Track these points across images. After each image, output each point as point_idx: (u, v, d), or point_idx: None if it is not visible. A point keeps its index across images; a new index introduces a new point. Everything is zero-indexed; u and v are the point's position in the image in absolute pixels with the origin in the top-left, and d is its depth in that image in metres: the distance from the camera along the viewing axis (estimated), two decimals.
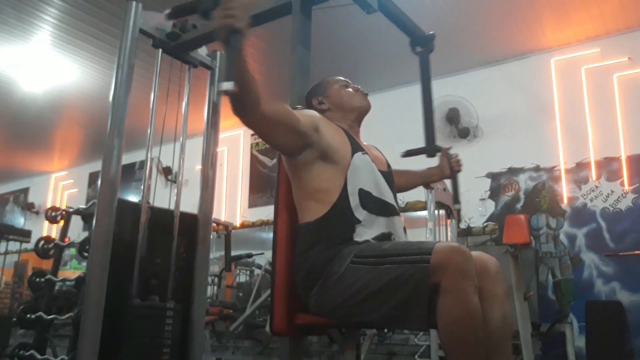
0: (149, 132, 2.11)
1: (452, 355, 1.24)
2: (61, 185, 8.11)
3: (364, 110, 1.78)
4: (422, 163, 2.05)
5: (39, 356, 2.38)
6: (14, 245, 5.87)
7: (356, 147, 1.62)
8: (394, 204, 1.65)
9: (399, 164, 1.97)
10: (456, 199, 2.11)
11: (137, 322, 1.81)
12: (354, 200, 1.53)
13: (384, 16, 1.96)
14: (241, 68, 1.27)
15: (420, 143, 1.96)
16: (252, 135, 6.21)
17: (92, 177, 7.55)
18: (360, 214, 1.52)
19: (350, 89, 1.78)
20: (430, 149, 1.95)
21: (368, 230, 1.51)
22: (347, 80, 1.82)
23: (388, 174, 1.71)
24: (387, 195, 1.62)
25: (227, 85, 1.17)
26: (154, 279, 1.91)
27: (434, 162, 2.05)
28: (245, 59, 1.27)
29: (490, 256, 1.43)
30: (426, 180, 2.05)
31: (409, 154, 1.94)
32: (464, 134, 4.69)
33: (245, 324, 4.40)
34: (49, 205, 7.55)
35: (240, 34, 1.22)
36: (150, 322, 1.83)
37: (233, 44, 1.21)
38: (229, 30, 1.21)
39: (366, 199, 1.55)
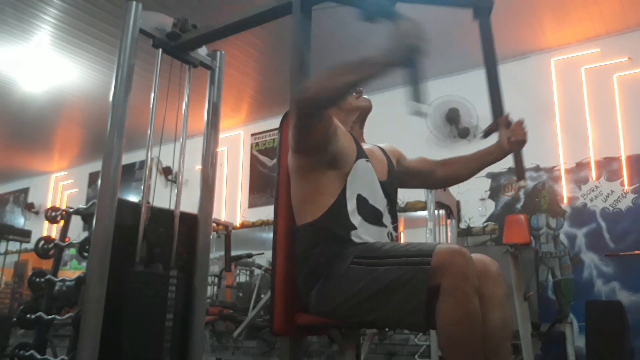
0: (149, 132, 2.11)
1: (450, 357, 1.24)
2: (61, 185, 8.11)
3: (365, 110, 1.76)
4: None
5: (39, 356, 2.37)
6: (14, 245, 5.88)
7: (361, 153, 1.61)
8: (387, 214, 1.63)
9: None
10: (520, 174, 1.77)
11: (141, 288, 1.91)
12: (351, 204, 1.52)
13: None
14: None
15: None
16: (252, 135, 6.21)
17: (92, 177, 7.55)
18: (355, 219, 1.51)
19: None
20: (495, 122, 1.75)
21: (362, 237, 1.50)
22: None
23: (387, 184, 1.67)
24: (381, 205, 1.61)
25: (426, 109, 1.20)
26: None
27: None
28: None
29: (491, 258, 1.42)
30: (484, 161, 1.83)
31: (487, 134, 1.78)
32: (464, 134, 4.68)
33: (248, 326, 4.40)
34: (49, 205, 7.55)
35: (421, 56, 1.25)
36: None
37: (415, 65, 1.24)
38: (416, 51, 1.25)
39: (363, 205, 1.54)
